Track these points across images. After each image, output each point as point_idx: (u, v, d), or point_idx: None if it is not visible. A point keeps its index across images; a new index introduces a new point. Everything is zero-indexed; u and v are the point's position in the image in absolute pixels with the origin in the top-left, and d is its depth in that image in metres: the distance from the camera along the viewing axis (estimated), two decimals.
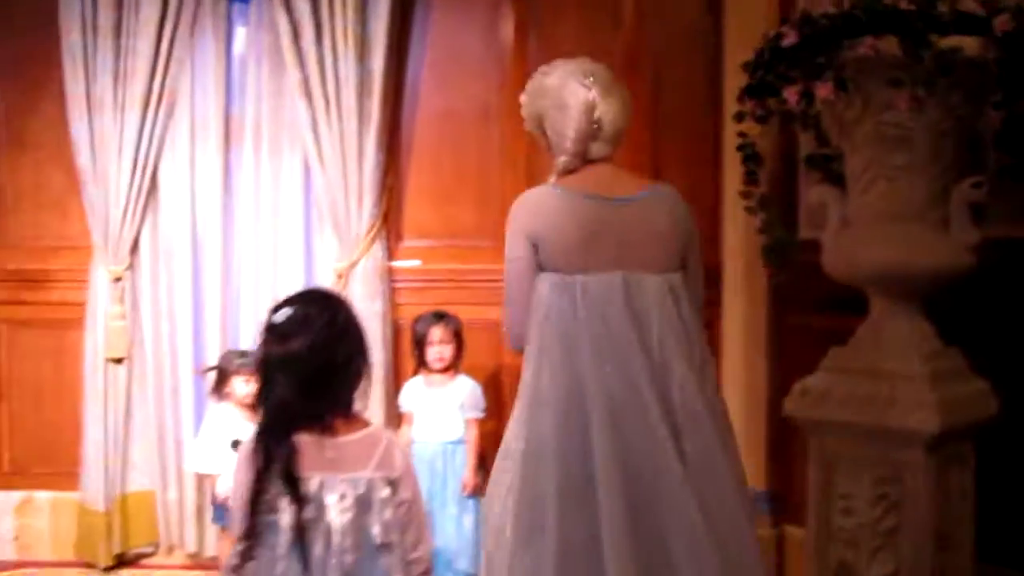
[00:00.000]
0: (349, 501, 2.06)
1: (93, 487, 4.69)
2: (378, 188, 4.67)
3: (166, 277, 4.75)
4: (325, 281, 4.63)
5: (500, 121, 4.81)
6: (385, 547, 2.08)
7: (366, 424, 2.20)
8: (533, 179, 4.69)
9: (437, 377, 4.41)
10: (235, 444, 3.94)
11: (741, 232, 4.32)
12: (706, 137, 4.51)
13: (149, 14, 4.60)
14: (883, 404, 3.27)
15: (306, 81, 4.60)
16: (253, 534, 2.05)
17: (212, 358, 4.70)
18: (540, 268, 2.55)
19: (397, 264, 4.82)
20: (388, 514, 2.10)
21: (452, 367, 4.41)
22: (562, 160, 2.69)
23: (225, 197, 4.78)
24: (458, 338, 4.42)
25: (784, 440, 4.39)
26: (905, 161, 3.29)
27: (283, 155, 4.76)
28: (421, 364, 4.43)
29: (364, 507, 2.07)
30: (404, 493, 2.14)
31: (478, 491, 4.29)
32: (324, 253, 4.74)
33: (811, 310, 4.13)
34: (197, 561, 4.73)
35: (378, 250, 4.70)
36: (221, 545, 4.29)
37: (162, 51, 4.63)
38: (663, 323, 2.51)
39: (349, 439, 2.13)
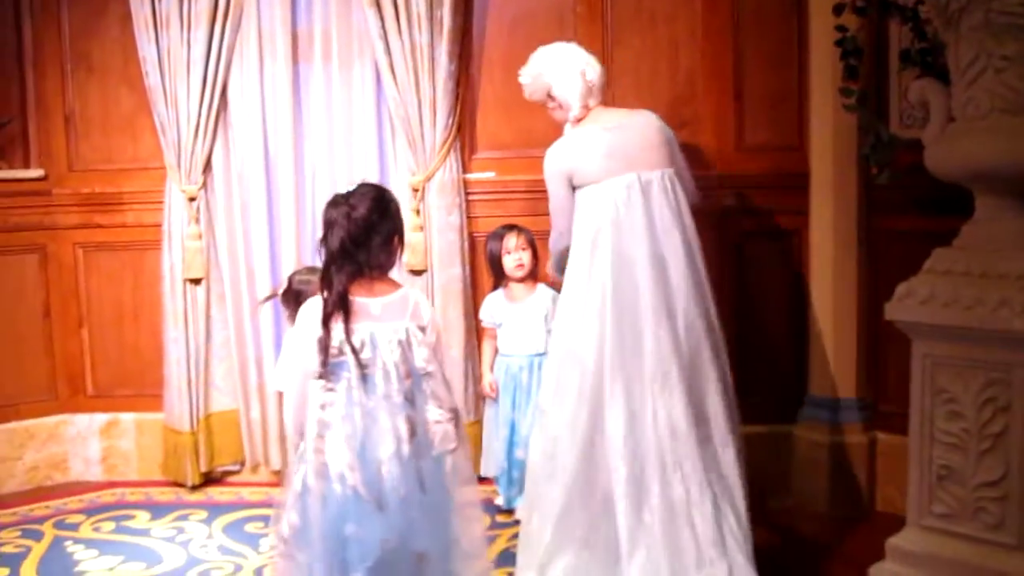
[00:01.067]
0: (395, 343, 2.73)
1: (177, 408, 4.73)
2: (451, 99, 4.57)
3: (240, 196, 4.71)
4: (400, 195, 4.55)
5: (575, 25, 4.66)
6: (428, 374, 2.77)
7: (400, 286, 2.84)
8: (611, 83, 4.57)
9: (518, 289, 4.36)
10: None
11: (829, 135, 4.18)
12: (790, 38, 4.33)
13: None
14: (992, 306, 3.15)
15: None
16: (328, 373, 2.71)
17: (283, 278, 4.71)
18: (575, 189, 3.56)
19: (472, 176, 4.73)
20: (425, 350, 2.78)
21: (531, 276, 4.36)
22: (572, 114, 3.71)
23: (296, 112, 4.70)
24: (533, 247, 4.37)
25: (875, 347, 4.30)
26: (1016, 51, 3.12)
27: (353, 67, 4.65)
28: (500, 277, 4.37)
29: (406, 346, 2.75)
30: (430, 337, 2.81)
31: None
32: (398, 167, 4.66)
33: (908, 212, 3.99)
34: (282, 478, 4.76)
35: (452, 162, 4.61)
36: None
37: None
38: (663, 206, 3.47)
39: (389, 299, 2.78)
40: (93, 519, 4.44)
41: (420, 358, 2.76)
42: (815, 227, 4.30)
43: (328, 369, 2.71)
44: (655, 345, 3.34)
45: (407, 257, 4.50)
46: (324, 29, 4.65)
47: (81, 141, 4.91)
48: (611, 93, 4.63)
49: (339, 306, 2.70)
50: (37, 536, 4.26)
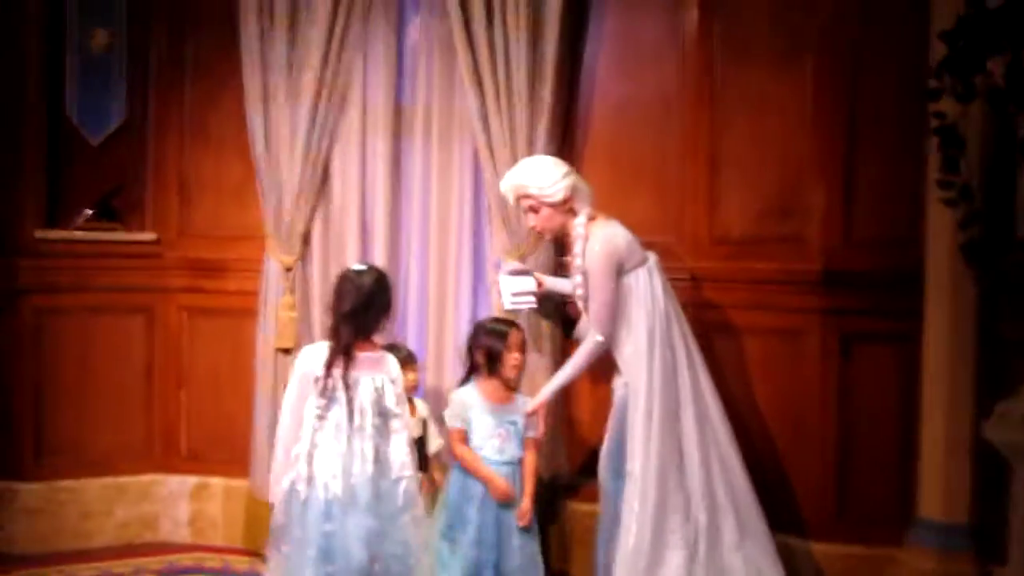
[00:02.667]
0: (371, 389, 3.45)
1: (261, 477, 4.67)
2: None
3: (336, 268, 4.67)
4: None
5: (681, 110, 4.51)
6: (396, 415, 3.48)
7: (379, 347, 3.61)
8: (717, 171, 4.44)
9: (499, 391, 4.13)
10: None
11: (947, 230, 3.82)
12: (908, 124, 4.00)
13: (322, 3, 4.56)
14: None
15: (476, 68, 4.45)
16: (323, 405, 3.43)
17: None
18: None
19: (568, 260, 4.57)
20: (393, 395, 3.49)
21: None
22: (588, 211, 4.00)
23: (394, 188, 4.71)
24: (524, 348, 4.19)
25: (993, 469, 3.86)
26: None
27: (453, 146, 4.63)
28: (493, 372, 4.13)
29: (380, 392, 3.47)
30: (398, 388, 3.52)
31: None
32: (494, 246, 4.57)
33: None
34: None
35: (548, 246, 4.48)
36: None
37: (334, 40, 4.59)
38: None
39: (372, 355, 3.52)
40: None
41: (391, 402, 3.47)
42: (929, 331, 3.91)
43: (324, 402, 3.43)
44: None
45: None
46: (426, 105, 4.66)
47: (193, 207, 5.05)
48: (716, 181, 4.46)
49: (345, 356, 3.42)
50: None
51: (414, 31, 4.71)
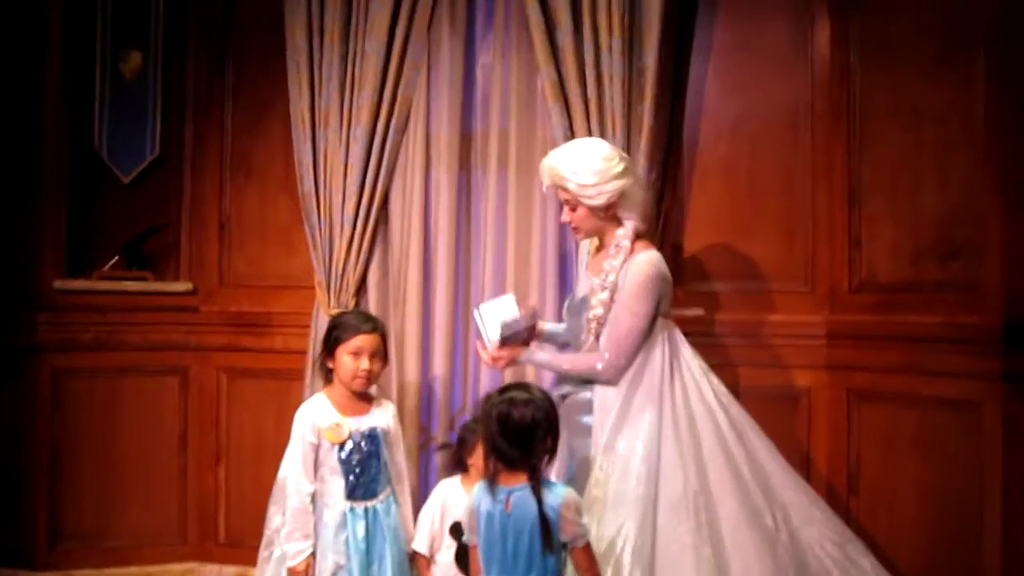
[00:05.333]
0: None
1: None
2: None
3: (396, 323, 3.98)
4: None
5: (812, 125, 3.75)
6: None
7: None
8: (858, 200, 3.63)
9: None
10: (455, 528, 3.39)
11: None
12: None
13: (380, 12, 3.89)
14: None
15: (561, 83, 3.73)
16: None
17: (439, 420, 3.96)
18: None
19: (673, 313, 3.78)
20: None
21: None
22: (638, 225, 3.24)
23: (463, 228, 4.00)
24: None
25: None
26: None
27: (533, 177, 3.87)
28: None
29: None
30: None
31: None
32: None
33: None
34: None
35: None
36: None
37: (393, 55, 3.92)
38: None
39: None
40: None
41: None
42: None
43: None
44: None
45: None
46: (501, 130, 3.94)
47: (234, 252, 4.41)
48: (857, 213, 3.63)
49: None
50: None
51: (486, 44, 4.00)
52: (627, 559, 2.96)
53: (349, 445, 3.33)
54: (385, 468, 3.40)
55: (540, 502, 2.82)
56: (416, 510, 3.64)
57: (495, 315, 3.26)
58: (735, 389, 3.71)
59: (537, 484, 2.85)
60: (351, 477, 3.32)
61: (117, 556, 4.28)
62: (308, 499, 3.30)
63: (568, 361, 3.25)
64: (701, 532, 3.02)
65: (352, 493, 3.32)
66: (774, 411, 3.72)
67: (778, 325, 3.75)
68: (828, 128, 3.70)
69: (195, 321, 4.38)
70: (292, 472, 3.33)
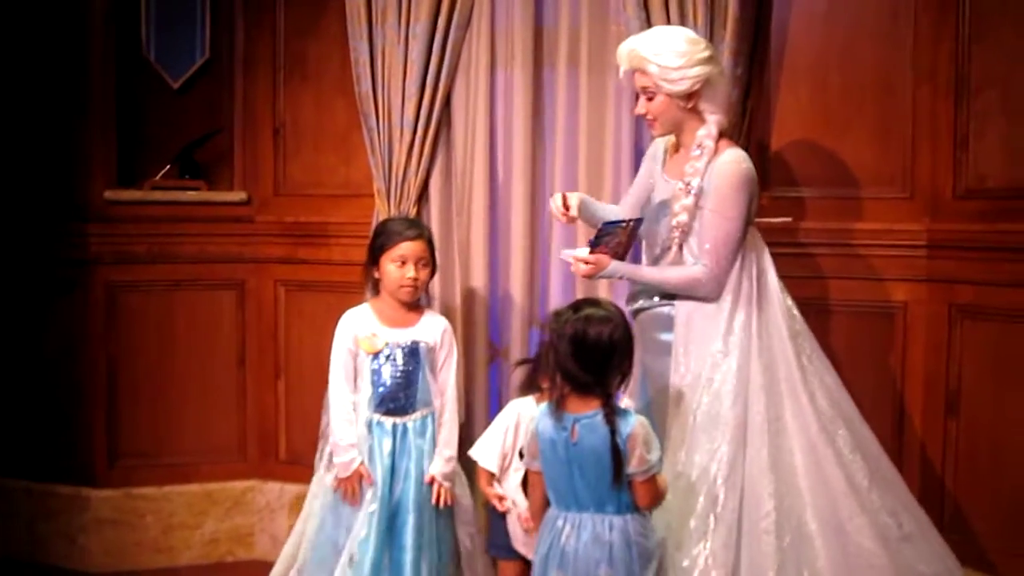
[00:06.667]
0: None
1: None
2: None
3: (459, 230, 3.77)
4: None
5: (915, 16, 3.40)
6: None
7: None
8: (965, 97, 3.29)
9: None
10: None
11: None
12: None
13: None
14: None
15: None
16: None
17: (513, 333, 3.74)
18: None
19: (759, 221, 3.49)
20: None
21: None
22: (722, 121, 2.99)
23: (534, 129, 3.71)
24: None
25: None
26: None
27: (608, 74, 3.59)
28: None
29: None
30: None
31: None
32: None
33: None
34: None
35: None
36: None
37: None
38: None
39: None
40: None
41: None
42: None
43: None
44: None
45: None
46: (572, 24, 3.64)
47: (290, 160, 4.17)
48: (964, 111, 3.31)
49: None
50: None
51: None
52: (722, 488, 2.77)
53: (383, 357, 3.21)
54: (425, 386, 3.24)
55: (614, 432, 2.61)
56: (483, 426, 3.48)
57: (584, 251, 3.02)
58: (824, 303, 3.50)
59: (611, 412, 2.63)
60: (380, 389, 3.23)
61: (176, 473, 4.16)
62: (351, 407, 3.21)
63: (660, 273, 3.00)
64: (776, 457, 2.84)
65: (379, 406, 3.22)
66: (867, 326, 3.50)
67: (872, 234, 3.45)
68: (933, 19, 3.34)
69: (250, 232, 4.18)
70: (333, 381, 3.27)
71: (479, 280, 3.75)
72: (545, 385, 3.15)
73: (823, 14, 3.50)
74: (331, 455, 3.31)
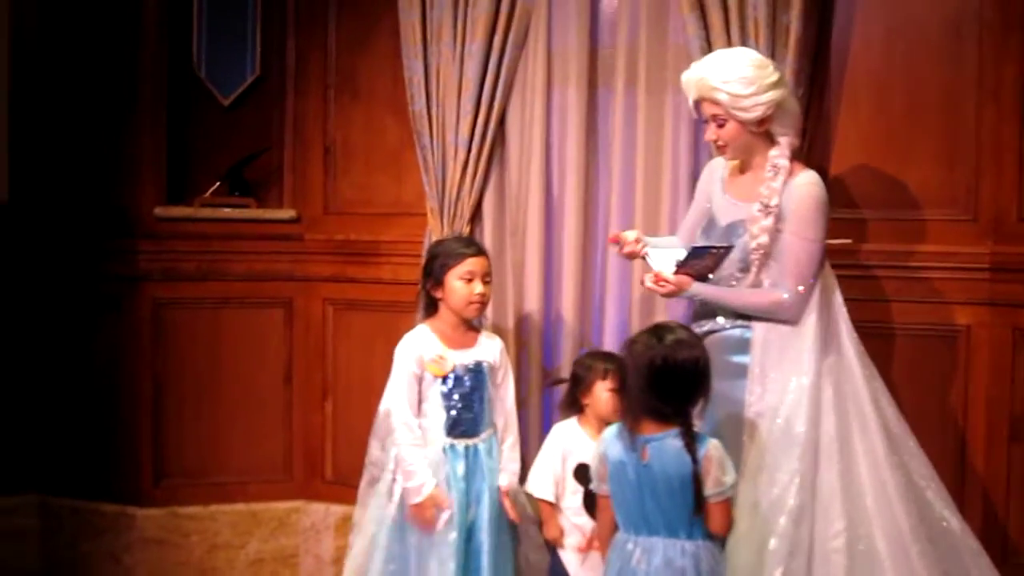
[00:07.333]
0: None
1: None
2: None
3: (513, 251, 3.75)
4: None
5: (980, 36, 3.33)
6: None
7: None
8: None
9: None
10: (581, 471, 3.16)
11: None
12: None
13: None
14: None
15: None
16: None
17: (565, 357, 3.71)
18: None
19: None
20: None
21: None
22: (794, 142, 3.02)
23: (587, 150, 3.68)
24: None
25: None
26: None
27: (666, 94, 3.56)
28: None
29: None
30: None
31: None
32: None
33: None
34: None
35: None
36: None
37: None
38: None
39: None
40: None
41: None
42: None
43: None
44: None
45: None
46: (629, 43, 3.60)
47: (340, 178, 4.15)
48: None
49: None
50: None
51: None
52: (798, 510, 2.72)
53: (452, 379, 3.17)
54: (489, 406, 3.21)
55: (695, 459, 2.57)
56: (537, 448, 3.45)
57: (668, 256, 2.99)
58: (886, 326, 3.44)
59: (690, 438, 2.59)
60: (452, 412, 3.17)
61: (222, 493, 4.13)
62: (419, 433, 3.15)
63: (742, 296, 2.95)
64: (847, 477, 2.81)
65: (452, 429, 3.17)
66: (929, 349, 3.43)
67: (935, 256, 3.39)
68: (998, 39, 3.30)
69: (299, 250, 4.16)
70: (398, 407, 3.17)
71: (533, 301, 3.72)
72: (586, 401, 3.17)
73: (884, 33, 3.46)
74: (390, 483, 3.24)
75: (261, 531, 4.16)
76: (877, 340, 3.26)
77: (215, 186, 4.13)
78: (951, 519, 2.91)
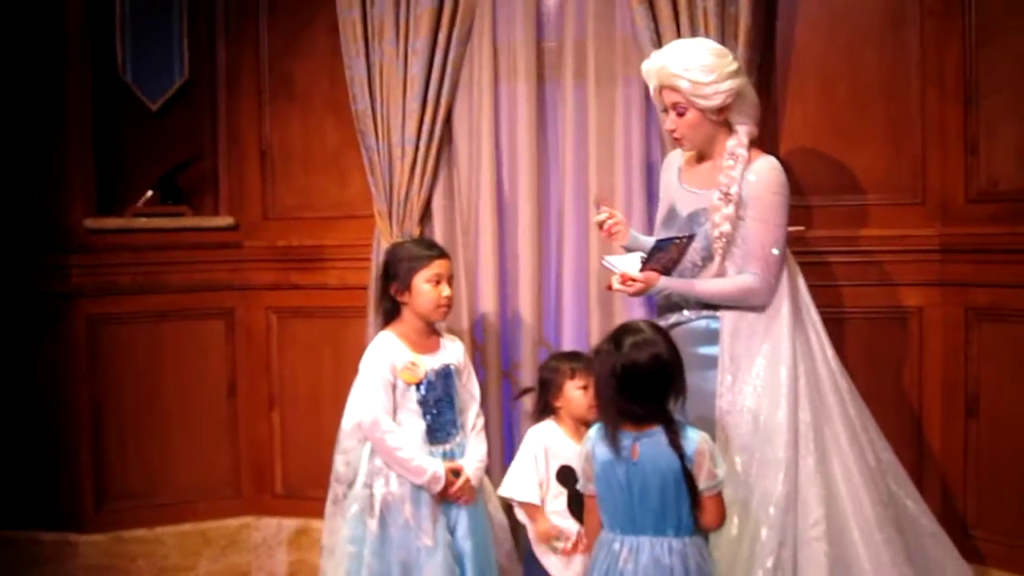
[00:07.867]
0: None
1: None
2: None
3: (465, 251, 3.68)
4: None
5: (921, 21, 3.40)
6: None
7: None
8: (975, 101, 3.32)
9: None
10: (564, 473, 3.11)
11: None
12: None
13: None
14: None
15: None
16: None
17: (523, 357, 3.65)
18: None
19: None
20: None
21: None
22: (752, 131, 3.00)
23: (540, 145, 3.64)
24: None
25: None
26: None
27: (616, 86, 3.54)
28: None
29: None
30: None
31: None
32: None
33: None
34: None
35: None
36: None
37: None
38: None
39: None
40: None
41: None
42: None
43: None
44: None
45: None
46: (577, 39, 3.57)
47: (278, 183, 4.05)
48: (974, 115, 3.34)
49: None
50: None
51: None
52: (784, 497, 2.74)
53: (425, 385, 3.10)
54: (460, 407, 3.15)
55: (682, 455, 2.55)
56: (497, 448, 3.41)
57: (627, 259, 2.97)
58: (839, 310, 3.48)
59: (675, 434, 2.57)
60: (428, 418, 3.10)
61: (168, 514, 3.99)
62: (405, 441, 3.06)
63: (712, 286, 2.94)
64: (821, 465, 2.83)
65: (430, 436, 3.10)
66: (882, 331, 3.49)
67: (885, 240, 3.45)
68: (939, 23, 3.37)
69: (239, 258, 4.04)
70: (378, 416, 3.06)
71: (488, 301, 3.66)
72: (558, 404, 3.14)
73: (827, 21, 3.50)
74: (367, 498, 3.12)
75: (211, 550, 4.02)
76: (831, 324, 3.27)
77: (147, 195, 3.98)
78: (908, 501, 2.97)
